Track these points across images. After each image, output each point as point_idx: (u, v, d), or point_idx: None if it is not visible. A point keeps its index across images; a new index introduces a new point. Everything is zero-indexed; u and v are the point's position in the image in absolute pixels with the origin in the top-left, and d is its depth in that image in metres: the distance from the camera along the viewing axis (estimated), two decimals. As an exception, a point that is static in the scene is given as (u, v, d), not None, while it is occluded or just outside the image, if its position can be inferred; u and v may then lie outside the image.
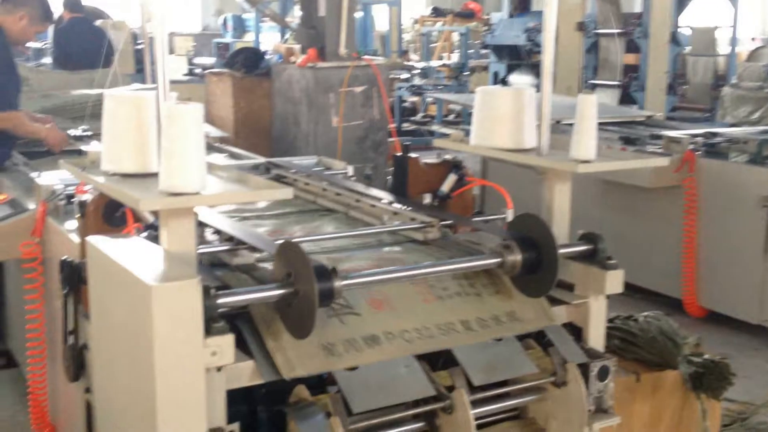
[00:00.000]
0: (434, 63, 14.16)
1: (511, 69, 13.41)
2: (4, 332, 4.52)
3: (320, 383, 2.37)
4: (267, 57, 7.14)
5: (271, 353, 2.20)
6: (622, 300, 5.76)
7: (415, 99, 13.61)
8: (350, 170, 3.95)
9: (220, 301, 2.09)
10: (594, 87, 12.51)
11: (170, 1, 11.70)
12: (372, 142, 6.38)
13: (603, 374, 2.63)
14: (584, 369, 2.60)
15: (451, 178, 3.29)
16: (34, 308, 3.18)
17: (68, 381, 2.68)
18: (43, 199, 3.28)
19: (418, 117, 13.49)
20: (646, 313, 3.22)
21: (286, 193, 2.16)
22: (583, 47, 11.59)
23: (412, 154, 3.30)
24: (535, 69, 13.84)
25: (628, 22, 11.21)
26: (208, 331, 2.00)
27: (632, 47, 11.23)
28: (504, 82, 13.93)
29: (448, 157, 3.39)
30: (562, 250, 2.67)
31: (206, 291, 2.03)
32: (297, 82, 6.46)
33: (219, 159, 4.44)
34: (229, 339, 2.03)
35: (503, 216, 3.10)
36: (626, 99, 11.87)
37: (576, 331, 2.76)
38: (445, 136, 5.33)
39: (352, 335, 2.32)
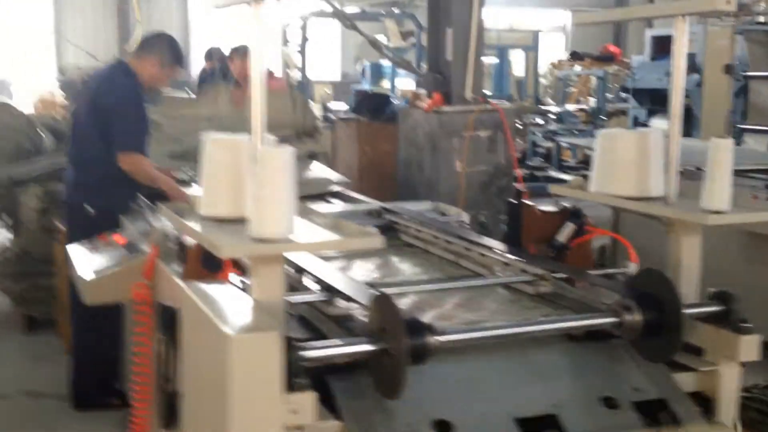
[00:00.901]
0: (570, 107, 13.80)
1: (651, 113, 12.90)
2: (122, 373, 4.60)
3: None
4: (394, 102, 7.11)
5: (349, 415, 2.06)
6: (765, 365, 5.29)
7: (549, 145, 13.28)
8: (465, 217, 3.80)
9: (305, 354, 1.97)
10: (742, 132, 11.84)
11: (311, 50, 12.04)
12: (497, 189, 6.18)
13: (735, 453, 2.33)
14: (712, 446, 2.32)
15: (569, 227, 3.07)
16: (141, 351, 3.18)
17: (162, 428, 2.63)
18: (155, 242, 3.29)
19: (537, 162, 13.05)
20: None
21: (376, 242, 2.03)
22: (731, 91, 10.97)
23: (527, 201, 3.11)
24: (680, 113, 13.28)
25: (781, 64, 10.55)
26: (289, 388, 1.89)
27: (784, 91, 10.56)
28: (644, 126, 13.44)
29: (566, 204, 3.18)
30: (689, 310, 2.41)
31: (289, 344, 1.92)
32: (421, 126, 6.38)
33: (334, 204, 4.40)
34: (310, 397, 1.91)
35: (626, 271, 2.86)
36: (777, 145, 11.16)
37: (705, 402, 2.48)
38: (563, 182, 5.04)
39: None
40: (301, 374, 1.92)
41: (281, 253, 2.03)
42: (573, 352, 2.41)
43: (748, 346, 2.39)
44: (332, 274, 2.59)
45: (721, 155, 2.46)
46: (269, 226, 1.95)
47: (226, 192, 2.23)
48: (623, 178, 2.73)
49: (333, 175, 5.22)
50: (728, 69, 10.79)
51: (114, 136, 4.24)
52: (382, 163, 6.78)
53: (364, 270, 3.13)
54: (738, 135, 11.93)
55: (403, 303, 2.61)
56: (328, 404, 2.09)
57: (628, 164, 2.71)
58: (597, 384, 2.34)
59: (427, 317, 2.51)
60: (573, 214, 3.10)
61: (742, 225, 5.01)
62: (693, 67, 11.66)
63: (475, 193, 6.06)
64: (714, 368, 2.45)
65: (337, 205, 4.29)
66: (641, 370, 2.40)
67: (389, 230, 3.71)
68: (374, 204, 3.96)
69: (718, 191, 2.46)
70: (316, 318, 2.47)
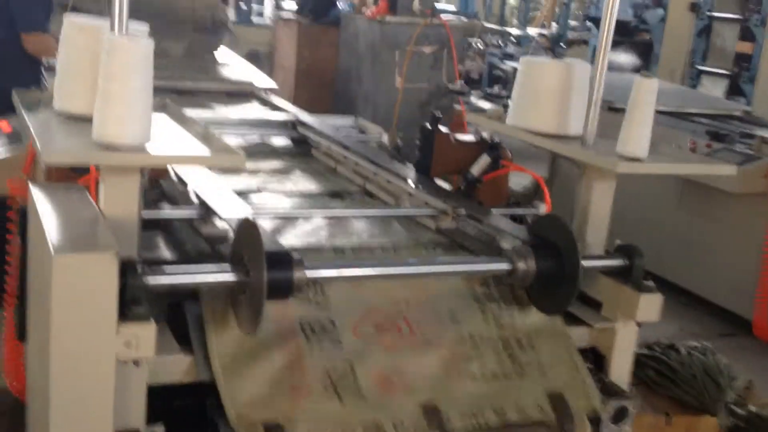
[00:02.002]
0: (532, 30, 13.47)
1: (612, 45, 12.63)
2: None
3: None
4: (339, 5, 6.71)
5: (210, 352, 1.86)
6: (684, 313, 5.25)
7: (507, 68, 12.98)
8: (385, 137, 3.56)
9: (148, 280, 1.75)
10: (700, 74, 11.67)
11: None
12: (436, 109, 5.93)
13: (619, 416, 2.19)
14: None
15: (483, 161, 2.85)
16: (11, 251, 2.93)
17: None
18: (36, 134, 3.01)
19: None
20: (692, 344, 2.75)
21: (237, 161, 1.78)
22: (693, 30, 10.75)
23: (442, 128, 2.88)
24: (640, 48, 13.02)
25: (746, 8, 10.32)
26: (124, 316, 1.67)
27: (748, 35, 10.35)
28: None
29: (486, 135, 2.96)
30: (590, 262, 2.24)
31: (128, 267, 1.69)
32: (364, 35, 6.05)
33: (254, 109, 4.12)
34: (148, 328, 1.68)
35: (536, 212, 2.67)
36: (734, 90, 11.03)
37: (599, 359, 2.34)
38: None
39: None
40: (140, 302, 1.69)
41: (128, 163, 1.77)
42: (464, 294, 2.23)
43: (648, 306, 2.23)
44: (214, 189, 2.34)
45: (642, 96, 2.26)
46: (114, 130, 1.70)
47: (82, 85, 1.94)
48: (541, 113, 2.52)
49: (260, 78, 4.90)
50: (693, 7, 10.54)
51: (15, 17, 3.95)
52: (322, 70, 6.45)
53: (264, 186, 2.90)
54: (696, 77, 11.78)
55: (287, 228, 2.40)
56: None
57: (548, 97, 2.50)
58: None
59: (307, 246, 2.31)
60: (490, 147, 2.89)
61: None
62: (659, 1, 11.38)
63: (412, 111, 5.78)
64: (610, 325, 2.29)
65: (253, 111, 4.01)
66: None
67: (301, 144, 3.48)
68: (291, 115, 3.69)
69: (636, 136, 2.26)
70: (190, 238, 2.25)
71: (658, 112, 6.28)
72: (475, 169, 2.86)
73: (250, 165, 3.08)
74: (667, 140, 5.02)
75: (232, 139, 3.34)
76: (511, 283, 2.18)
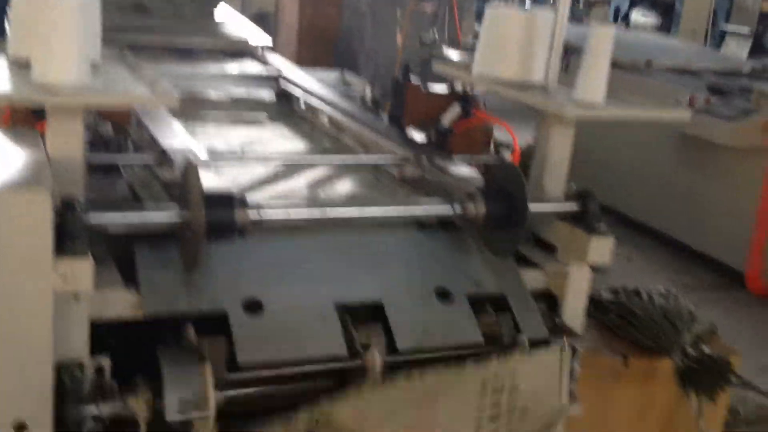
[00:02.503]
0: (549, -9, 13.29)
1: (634, 4, 12.47)
2: None
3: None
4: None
5: (146, 284, 1.91)
6: (679, 266, 5.23)
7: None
8: (368, 91, 3.58)
9: (92, 219, 1.80)
10: (723, 35, 11.48)
11: None
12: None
13: (569, 356, 2.22)
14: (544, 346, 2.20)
15: (454, 111, 2.87)
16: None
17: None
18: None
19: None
20: (657, 289, 2.75)
21: (170, 101, 1.80)
22: (716, -11, 10.60)
23: (413, 80, 2.90)
24: (661, 7, 12.80)
25: (771, -34, 10.12)
26: (61, 251, 1.72)
27: (774, -6, 10.17)
28: (626, 18, 12.99)
29: (459, 86, 2.97)
30: (542, 207, 2.26)
31: (67, 205, 1.75)
32: (365, -8, 6.03)
33: (244, 65, 4.15)
34: (85, 263, 1.74)
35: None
36: (758, 50, 10.84)
37: (553, 303, 2.36)
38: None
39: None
40: (78, 238, 1.75)
41: (61, 103, 1.80)
42: (416, 240, 2.26)
43: (599, 248, 2.24)
44: (171, 135, 2.38)
45: (599, 44, 2.25)
46: (51, 71, 1.73)
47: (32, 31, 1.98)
48: (505, 61, 2.52)
49: (256, 35, 4.92)
50: (717, -36, 10.37)
51: None
52: (324, 28, 6.44)
53: (238, 137, 2.94)
54: (719, 37, 11.57)
55: (252, 174, 2.44)
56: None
57: (512, 46, 2.50)
58: (434, 275, 2.20)
59: (269, 192, 2.35)
60: (462, 98, 2.90)
61: (676, 127, 4.86)
62: (682, -41, 11.18)
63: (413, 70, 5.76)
64: (563, 268, 2.31)
65: (242, 66, 4.04)
66: (487, 264, 2.26)
67: (283, 98, 3.51)
68: (274, 70, 3.72)
69: (592, 83, 2.25)
70: (145, 182, 2.30)
71: (665, 69, 6.20)
72: (446, 120, 2.88)
73: (228, 116, 3.14)
74: (667, 95, 5.00)
75: (216, 93, 3.40)
76: (462, 226, 2.21)
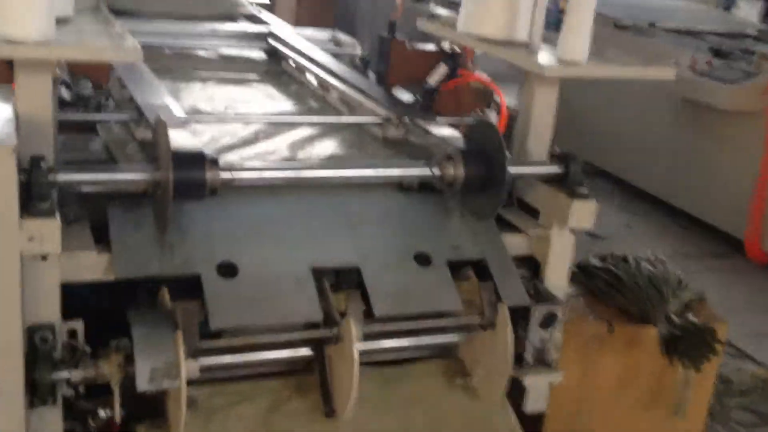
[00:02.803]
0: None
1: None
2: None
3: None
4: None
5: (118, 246, 1.89)
6: (679, 233, 5.19)
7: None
8: (359, 49, 3.52)
9: (60, 178, 1.77)
10: (736, -4, 11.26)
11: None
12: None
13: (548, 321, 2.20)
14: (526, 313, 2.18)
15: (441, 70, 2.82)
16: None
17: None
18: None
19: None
20: (649, 255, 2.72)
21: (133, 55, 1.76)
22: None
23: (398, 37, 2.84)
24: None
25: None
26: (27, 212, 1.70)
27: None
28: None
29: (447, 45, 2.91)
30: (523, 169, 2.23)
31: (34, 163, 1.72)
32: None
33: (237, 24, 4.09)
34: (51, 223, 1.71)
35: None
36: (772, 15, 10.63)
37: (536, 268, 2.33)
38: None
39: None
40: (45, 198, 1.72)
41: (21, 55, 1.75)
42: (395, 203, 2.22)
43: (581, 212, 2.20)
44: (150, 94, 2.34)
45: (582, 1, 2.18)
46: (13, 25, 1.68)
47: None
48: (490, 18, 2.46)
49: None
50: None
51: None
52: (325, -14, 6.37)
53: (224, 96, 2.90)
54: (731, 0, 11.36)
55: (232, 134, 2.40)
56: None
57: (496, 2, 2.43)
58: (414, 239, 2.17)
59: (247, 152, 2.32)
60: (449, 56, 2.85)
61: (679, 91, 4.78)
62: None
63: (411, 30, 5.68)
64: (545, 232, 2.28)
65: (233, 25, 3.98)
66: (468, 229, 2.23)
67: (272, 56, 3.46)
68: (264, 28, 3.66)
69: (574, 40, 2.20)
70: (121, 141, 2.26)
71: (669, 31, 6.08)
72: (432, 79, 2.83)
73: (215, 75, 3.10)
74: (668, 57, 4.91)
75: (205, 52, 3.35)
76: (441, 188, 2.17)
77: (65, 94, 2.48)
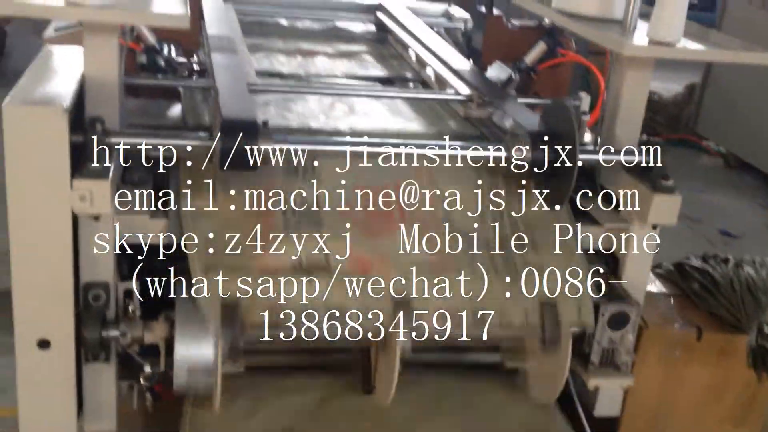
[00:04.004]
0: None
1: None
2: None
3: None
4: None
5: (182, 217, 1.91)
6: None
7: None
8: (470, 25, 3.40)
9: (113, 141, 1.81)
10: None
11: None
12: None
13: (618, 321, 2.05)
14: (596, 311, 2.05)
15: (539, 48, 2.68)
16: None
17: None
18: None
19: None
20: (753, 258, 2.48)
21: (181, 21, 1.74)
22: None
23: (496, 12, 2.72)
24: None
25: None
26: (80, 172, 1.74)
27: None
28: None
29: (548, 22, 2.76)
30: (597, 155, 2.08)
31: (87, 125, 1.76)
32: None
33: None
34: (102, 184, 1.74)
35: (576, 103, 2.50)
36: None
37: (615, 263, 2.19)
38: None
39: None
40: (99, 159, 1.75)
41: (100, 20, 1.78)
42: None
43: (664, 208, 2.03)
44: (228, 61, 2.34)
45: (678, -26, 1.99)
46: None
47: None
48: (586, -6, 2.30)
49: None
50: None
51: None
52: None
53: (323, 63, 2.89)
54: None
55: (307, 105, 2.38)
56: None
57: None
58: None
59: (318, 122, 2.28)
60: (547, 33, 2.70)
61: None
62: None
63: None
64: (624, 226, 2.12)
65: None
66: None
67: (379, 30, 3.41)
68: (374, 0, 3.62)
69: (667, 19, 2.01)
70: (197, 108, 2.29)
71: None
72: (529, 58, 2.70)
73: (311, 47, 3.09)
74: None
75: (308, 23, 3.35)
76: (510, 173, 2.06)
77: (158, 59, 2.54)
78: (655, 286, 2.49)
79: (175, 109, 2.41)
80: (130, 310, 1.90)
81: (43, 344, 1.83)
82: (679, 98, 6.29)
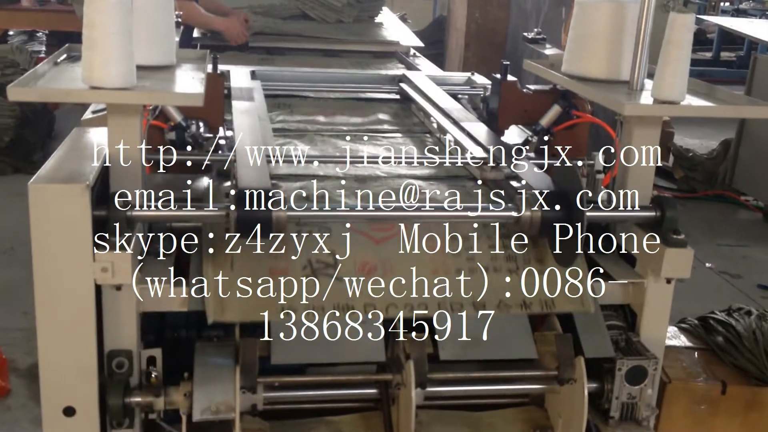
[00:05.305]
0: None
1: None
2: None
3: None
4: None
5: (206, 285, 1.98)
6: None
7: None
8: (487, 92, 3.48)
9: (134, 214, 1.90)
10: None
11: None
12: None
13: (636, 376, 2.05)
14: (612, 366, 2.05)
15: (554, 111, 2.73)
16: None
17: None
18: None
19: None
20: (775, 310, 2.46)
21: (195, 99, 1.85)
22: None
23: (511, 77, 2.79)
24: None
25: None
26: (100, 245, 1.83)
27: None
28: None
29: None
30: (608, 213, 2.11)
31: (110, 199, 1.85)
32: (531, -9, 5.89)
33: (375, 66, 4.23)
34: (123, 256, 1.83)
35: (590, 163, 2.53)
36: None
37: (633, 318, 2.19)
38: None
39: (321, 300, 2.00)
40: (121, 232, 1.84)
41: (120, 101, 1.89)
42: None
43: (676, 261, 2.05)
44: (246, 136, 2.43)
45: (678, 34, 2.05)
46: (94, 73, 1.83)
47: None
48: (591, 57, 2.37)
49: (408, 37, 4.98)
50: None
51: None
52: (492, 31, 6.36)
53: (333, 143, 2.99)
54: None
55: (324, 175, 2.46)
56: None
57: (597, 40, 2.35)
58: None
59: (339, 190, 2.35)
60: (561, 96, 2.75)
61: None
62: None
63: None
64: (639, 281, 2.14)
65: (368, 70, 4.09)
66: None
67: (404, 100, 3.50)
68: (399, 72, 3.73)
69: (671, 78, 2.05)
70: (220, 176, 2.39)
71: None
72: (544, 120, 2.75)
73: (335, 118, 3.19)
74: None
75: (336, 94, 3.45)
76: (520, 232, 2.10)
77: (185, 137, 2.66)
78: (680, 341, 2.48)
79: (202, 183, 2.51)
80: (153, 376, 1.96)
81: (69, 411, 1.90)
82: (714, 154, 6.27)
